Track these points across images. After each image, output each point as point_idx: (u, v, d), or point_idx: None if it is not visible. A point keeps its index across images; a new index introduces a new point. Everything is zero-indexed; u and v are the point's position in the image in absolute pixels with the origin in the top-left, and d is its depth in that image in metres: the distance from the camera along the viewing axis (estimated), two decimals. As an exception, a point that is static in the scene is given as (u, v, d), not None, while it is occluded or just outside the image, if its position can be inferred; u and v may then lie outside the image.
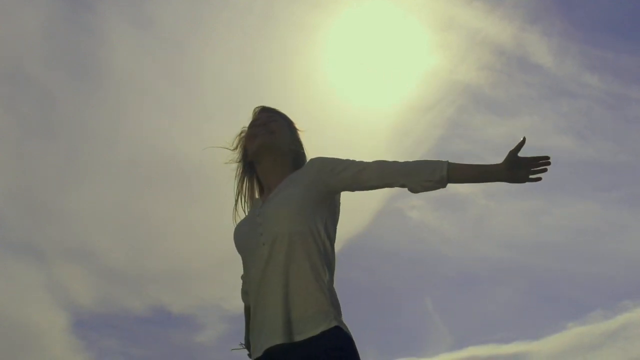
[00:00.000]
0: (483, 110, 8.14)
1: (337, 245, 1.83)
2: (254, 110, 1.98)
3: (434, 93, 7.61)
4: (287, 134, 1.93)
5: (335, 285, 1.76)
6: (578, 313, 7.88)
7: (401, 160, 1.74)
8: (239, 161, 1.99)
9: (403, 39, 7.40)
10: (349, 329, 1.66)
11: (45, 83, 7.10)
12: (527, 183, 1.67)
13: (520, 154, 1.65)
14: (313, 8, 7.10)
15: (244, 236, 1.80)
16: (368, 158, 1.79)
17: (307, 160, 1.88)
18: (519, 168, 1.65)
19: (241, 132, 1.99)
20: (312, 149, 1.97)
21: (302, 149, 1.95)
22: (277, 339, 1.61)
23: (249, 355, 2.14)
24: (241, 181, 1.98)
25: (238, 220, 1.93)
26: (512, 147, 1.63)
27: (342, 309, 1.72)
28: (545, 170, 1.66)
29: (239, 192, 1.97)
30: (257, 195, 1.97)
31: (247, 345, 2.13)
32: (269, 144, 1.86)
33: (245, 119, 1.99)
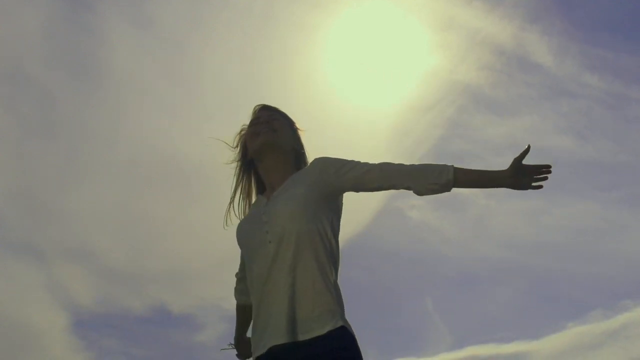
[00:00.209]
0: (483, 110, 8.15)
1: (338, 245, 1.82)
2: (254, 108, 1.97)
3: (434, 93, 7.62)
4: (289, 133, 1.92)
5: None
6: (578, 313, 7.90)
7: (402, 161, 1.75)
8: (239, 160, 1.98)
9: (403, 39, 7.41)
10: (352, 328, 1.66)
11: (45, 83, 7.11)
12: None
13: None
14: (313, 8, 7.11)
15: (248, 234, 1.78)
16: (368, 158, 1.79)
17: (310, 160, 1.87)
18: (523, 175, 1.67)
19: (241, 130, 1.98)
20: (312, 149, 1.96)
21: (303, 148, 1.95)
22: (281, 338, 1.60)
23: (237, 356, 2.14)
24: (239, 179, 1.97)
25: (231, 218, 1.92)
26: (517, 154, 1.66)
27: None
28: (546, 178, 1.69)
29: (236, 190, 1.96)
30: (254, 194, 1.97)
31: (237, 345, 2.13)
32: (272, 142, 1.86)
33: (245, 119, 1.98)
